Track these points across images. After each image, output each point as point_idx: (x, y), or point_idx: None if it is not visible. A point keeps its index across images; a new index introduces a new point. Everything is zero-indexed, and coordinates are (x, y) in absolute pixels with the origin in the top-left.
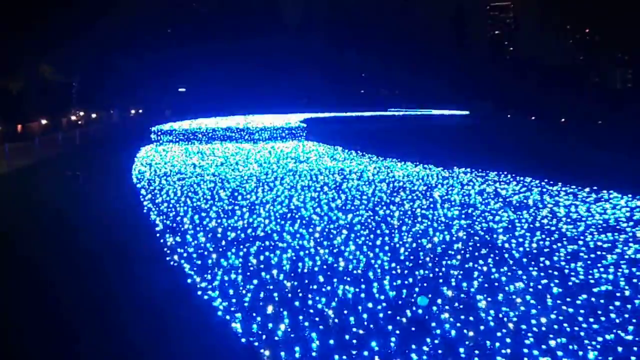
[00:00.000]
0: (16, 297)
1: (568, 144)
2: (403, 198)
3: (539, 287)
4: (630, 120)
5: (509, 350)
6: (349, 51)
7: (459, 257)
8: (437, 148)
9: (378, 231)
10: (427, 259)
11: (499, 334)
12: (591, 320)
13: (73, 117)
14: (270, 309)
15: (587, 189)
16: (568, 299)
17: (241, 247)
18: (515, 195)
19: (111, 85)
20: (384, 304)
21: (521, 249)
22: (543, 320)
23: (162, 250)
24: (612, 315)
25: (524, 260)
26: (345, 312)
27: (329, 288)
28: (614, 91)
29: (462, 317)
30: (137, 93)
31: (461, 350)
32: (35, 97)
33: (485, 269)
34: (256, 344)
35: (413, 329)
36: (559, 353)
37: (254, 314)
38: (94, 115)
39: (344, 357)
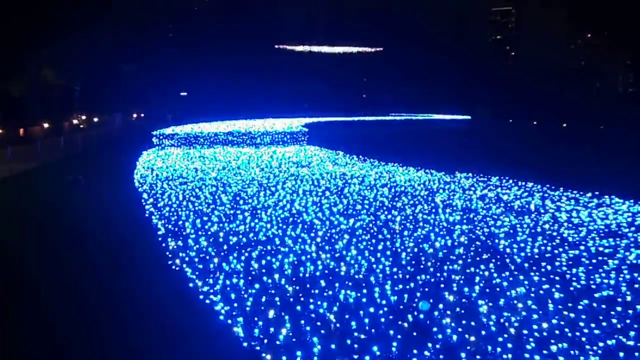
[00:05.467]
0: (13, 302)
1: (570, 148)
2: (405, 203)
3: (541, 292)
4: (632, 125)
5: (510, 355)
6: (351, 56)
7: (460, 262)
8: (439, 153)
9: (380, 236)
10: (429, 263)
11: (500, 339)
12: (593, 325)
13: (75, 121)
14: (271, 314)
15: (589, 194)
16: (569, 304)
17: (243, 251)
18: (517, 200)
19: (113, 90)
20: (385, 309)
21: (523, 254)
22: (545, 325)
23: (163, 255)
24: (614, 321)
25: (526, 265)
26: (347, 316)
27: (330, 292)
28: (616, 96)
29: (464, 322)
30: (139, 97)
31: (462, 355)
32: (38, 101)
33: (486, 274)
34: (257, 348)
35: (414, 333)
36: (561, 358)
37: (256, 319)
38: (96, 119)
39: None
